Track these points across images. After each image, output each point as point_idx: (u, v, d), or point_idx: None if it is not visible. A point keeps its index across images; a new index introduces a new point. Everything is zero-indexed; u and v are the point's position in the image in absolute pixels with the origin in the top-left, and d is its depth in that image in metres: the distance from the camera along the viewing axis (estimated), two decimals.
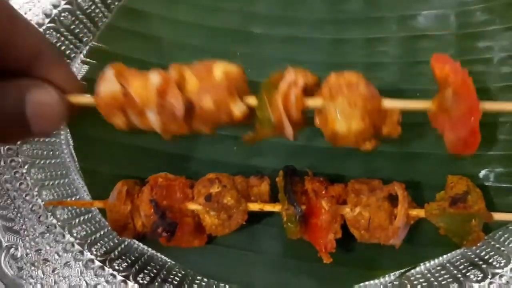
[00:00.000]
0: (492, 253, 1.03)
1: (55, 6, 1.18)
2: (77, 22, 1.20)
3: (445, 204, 0.95)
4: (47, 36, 1.18)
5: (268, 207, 1.00)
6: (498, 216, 0.96)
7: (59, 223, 1.10)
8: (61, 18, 1.18)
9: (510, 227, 1.05)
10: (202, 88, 0.81)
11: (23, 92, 0.68)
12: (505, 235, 1.04)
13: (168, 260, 1.11)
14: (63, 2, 1.18)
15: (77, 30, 1.21)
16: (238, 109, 0.82)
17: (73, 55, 1.23)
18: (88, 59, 1.20)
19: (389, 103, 0.83)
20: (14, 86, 0.68)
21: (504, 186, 1.06)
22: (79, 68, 1.21)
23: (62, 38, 1.20)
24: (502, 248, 1.02)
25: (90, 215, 1.14)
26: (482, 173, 1.06)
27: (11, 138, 0.88)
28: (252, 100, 0.83)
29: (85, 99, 0.84)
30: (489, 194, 1.02)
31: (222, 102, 0.81)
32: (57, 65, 0.76)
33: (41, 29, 1.17)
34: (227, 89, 0.80)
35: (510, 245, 1.02)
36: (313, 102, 0.83)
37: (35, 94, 0.69)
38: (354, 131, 0.81)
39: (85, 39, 1.23)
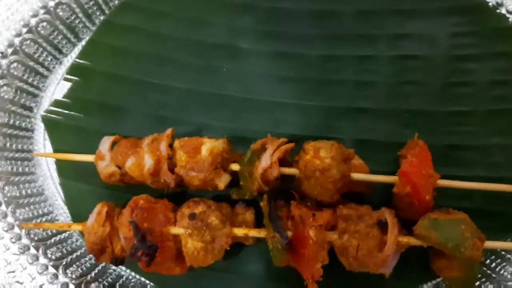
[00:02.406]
0: (483, 279, 1.01)
1: (34, 16, 1.14)
2: (56, 32, 1.16)
3: (433, 215, 0.93)
4: (24, 46, 1.13)
5: (253, 233, 0.96)
6: (489, 244, 0.93)
7: (33, 244, 1.05)
8: (39, 28, 1.14)
9: (502, 253, 1.02)
10: (190, 165, 0.96)
11: None
12: (497, 261, 1.02)
13: (147, 282, 1.07)
14: (41, 12, 1.14)
15: (56, 41, 1.16)
16: (222, 182, 0.97)
17: (53, 66, 1.18)
18: (71, 76, 1.15)
19: (358, 176, 0.97)
20: None
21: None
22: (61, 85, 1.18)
23: (41, 49, 1.15)
24: (493, 275, 1.00)
25: (66, 234, 1.10)
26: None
27: None
28: (235, 167, 0.99)
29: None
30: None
31: (207, 178, 0.96)
32: None
33: (19, 39, 1.13)
34: (212, 166, 0.95)
35: (501, 272, 1.00)
36: (289, 171, 0.98)
37: None
38: (324, 200, 0.97)
39: (65, 50, 1.18)
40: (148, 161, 0.97)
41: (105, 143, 1.01)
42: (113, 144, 1.01)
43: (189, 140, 0.97)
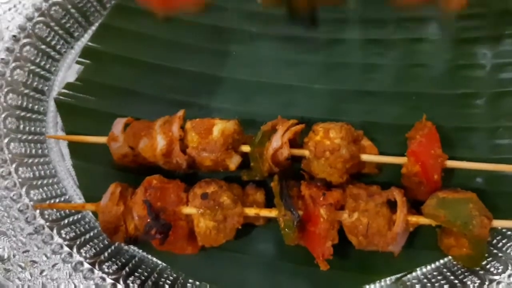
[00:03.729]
0: (490, 259, 1.02)
1: (46, 0, 1.15)
2: (68, 16, 1.17)
3: (442, 194, 0.95)
4: (36, 30, 1.14)
5: (264, 212, 0.98)
6: (496, 223, 0.95)
7: (47, 223, 1.07)
8: (52, 12, 1.15)
9: (508, 233, 1.04)
10: (202, 146, 0.97)
11: None
12: (503, 241, 1.03)
13: (159, 262, 1.09)
14: None
15: (68, 25, 1.18)
16: (233, 162, 0.99)
17: (64, 50, 1.19)
18: (83, 59, 1.16)
19: (367, 157, 1.00)
20: None
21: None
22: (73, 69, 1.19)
23: (53, 33, 1.16)
24: (500, 254, 1.01)
25: (79, 216, 1.11)
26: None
27: None
28: (246, 148, 1.00)
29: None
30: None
31: (219, 158, 0.97)
32: None
33: (31, 23, 1.14)
34: (223, 146, 0.96)
35: (508, 251, 1.01)
36: (299, 152, 1.00)
37: None
38: (334, 181, 0.99)
39: (76, 34, 1.19)
40: (161, 142, 0.98)
41: (118, 124, 1.03)
42: (126, 126, 1.03)
43: (200, 121, 0.99)
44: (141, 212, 0.95)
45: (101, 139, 1.03)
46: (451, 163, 0.98)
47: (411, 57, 1.12)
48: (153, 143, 0.98)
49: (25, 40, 1.15)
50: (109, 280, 1.03)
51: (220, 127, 0.97)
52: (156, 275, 1.06)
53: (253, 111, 1.12)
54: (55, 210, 1.09)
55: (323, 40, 1.15)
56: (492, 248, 1.03)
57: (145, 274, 1.05)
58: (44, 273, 1.02)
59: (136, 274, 1.05)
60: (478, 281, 0.98)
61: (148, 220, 0.94)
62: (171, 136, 0.99)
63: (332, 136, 0.97)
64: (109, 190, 0.99)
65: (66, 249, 1.05)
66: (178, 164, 1.00)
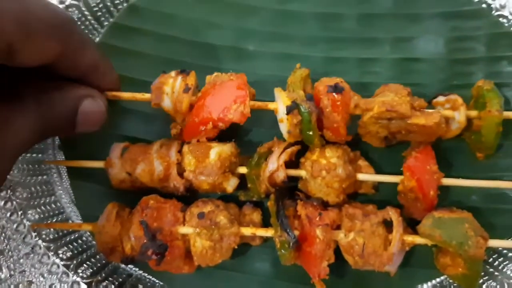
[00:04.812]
0: (486, 277, 1.02)
1: (61, 2, 1.17)
2: (82, 19, 1.18)
3: (437, 214, 0.95)
4: None
5: (261, 232, 0.98)
6: (492, 243, 0.95)
7: (44, 243, 1.07)
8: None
9: (504, 251, 1.05)
10: (199, 170, 0.98)
11: (77, 102, 0.88)
12: (499, 260, 1.04)
13: (157, 281, 1.09)
14: None
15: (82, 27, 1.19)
16: (230, 185, 1.00)
17: None
18: None
19: (364, 177, 1.01)
20: (71, 95, 0.88)
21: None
22: None
23: None
24: (496, 273, 1.02)
25: (76, 234, 1.11)
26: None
27: (59, 135, 1.12)
28: (243, 170, 1.01)
29: None
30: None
31: (216, 182, 0.98)
32: (107, 75, 0.97)
33: None
34: (221, 170, 0.97)
35: (504, 270, 1.02)
36: (295, 172, 1.01)
37: (86, 104, 0.89)
38: (331, 201, 1.00)
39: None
40: (158, 167, 0.99)
41: (115, 150, 1.03)
42: (124, 150, 1.03)
43: (197, 145, 0.99)
44: (138, 233, 0.96)
45: (99, 164, 1.03)
46: (447, 181, 0.99)
47: (406, 77, 1.13)
48: (150, 168, 0.99)
49: None
50: None
51: (217, 151, 0.98)
52: None
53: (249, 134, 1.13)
54: (52, 229, 1.09)
55: (319, 58, 1.15)
56: (488, 266, 1.04)
57: None
58: None
59: None
60: None
61: (145, 240, 0.95)
62: (168, 160, 0.99)
63: (328, 155, 0.98)
64: (106, 211, 1.00)
65: (62, 269, 1.06)
66: (175, 188, 1.01)
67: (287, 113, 0.94)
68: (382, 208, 1.00)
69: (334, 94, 0.95)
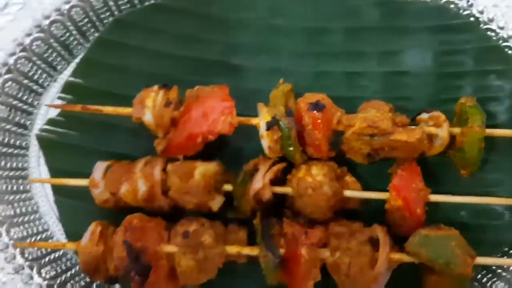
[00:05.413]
0: None
1: (28, 35, 1.15)
2: (50, 50, 1.17)
3: (424, 232, 0.94)
4: (18, 65, 1.14)
5: (246, 251, 0.97)
6: (480, 260, 0.94)
7: (27, 263, 1.06)
8: (33, 47, 1.15)
9: (493, 267, 1.04)
10: (184, 190, 0.96)
11: None
12: (488, 276, 1.03)
13: None
14: (35, 30, 1.15)
15: (50, 59, 1.17)
16: (215, 204, 0.99)
17: (47, 83, 1.19)
18: (64, 95, 1.15)
19: (350, 193, 0.99)
20: None
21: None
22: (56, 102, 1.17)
23: (35, 67, 1.16)
24: None
25: (61, 253, 1.10)
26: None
27: None
28: (228, 187, 0.99)
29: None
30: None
31: (201, 201, 0.97)
32: None
33: (13, 58, 1.14)
34: (205, 189, 0.96)
35: (493, 287, 1.01)
36: (282, 190, 0.99)
37: None
38: (317, 217, 0.98)
39: (59, 67, 1.19)
40: (142, 187, 0.98)
41: (98, 169, 1.02)
42: (108, 168, 1.02)
43: (181, 164, 0.98)
44: (121, 253, 0.94)
45: (83, 182, 1.02)
46: (434, 197, 0.98)
47: (394, 91, 1.12)
48: (134, 188, 0.98)
49: (6, 76, 1.14)
50: None
51: (201, 170, 0.96)
52: None
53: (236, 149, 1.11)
54: (35, 248, 1.07)
55: (307, 73, 1.14)
56: (476, 283, 1.03)
57: None
58: None
59: None
60: None
61: (128, 261, 0.93)
62: (152, 180, 0.98)
63: (314, 173, 0.97)
64: (89, 230, 0.98)
65: None
66: (160, 207, 1.00)
67: (267, 129, 0.93)
68: (371, 221, 0.99)
69: (315, 112, 0.94)
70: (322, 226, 0.98)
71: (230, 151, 1.11)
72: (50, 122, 1.14)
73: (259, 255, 0.94)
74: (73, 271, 1.08)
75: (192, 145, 0.97)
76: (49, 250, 1.09)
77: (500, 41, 1.13)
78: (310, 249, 0.94)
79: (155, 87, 1.00)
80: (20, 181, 1.13)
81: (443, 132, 0.97)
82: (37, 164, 1.16)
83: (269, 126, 0.93)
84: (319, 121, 0.95)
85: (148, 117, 0.98)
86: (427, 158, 1.03)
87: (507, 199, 1.01)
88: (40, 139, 1.14)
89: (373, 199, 1.00)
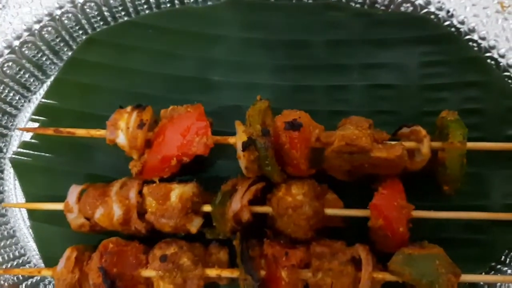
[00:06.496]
0: None
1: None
2: (23, 71, 1.14)
3: (408, 250, 0.92)
4: None
5: (226, 273, 0.95)
6: (464, 278, 0.92)
7: None
8: (5, 68, 1.13)
9: (480, 283, 1.03)
10: (160, 212, 0.95)
11: None
12: None
13: None
14: (6, 52, 1.12)
15: (23, 80, 1.15)
16: (194, 226, 0.97)
17: (21, 105, 1.16)
18: (38, 117, 1.13)
19: (332, 211, 0.97)
20: None
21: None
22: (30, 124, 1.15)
23: (8, 89, 1.13)
24: None
25: (38, 278, 1.08)
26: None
27: None
28: (207, 208, 0.97)
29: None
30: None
31: (178, 224, 0.95)
32: None
33: None
34: (182, 212, 0.94)
35: None
36: (261, 209, 0.98)
37: None
38: (298, 237, 0.96)
39: (33, 87, 1.17)
40: (117, 211, 0.96)
41: (73, 193, 1.00)
42: (82, 191, 1.00)
43: (157, 187, 0.96)
44: (97, 280, 0.92)
45: (58, 206, 0.99)
46: (417, 213, 0.96)
47: (375, 104, 1.10)
48: (109, 212, 0.96)
49: None
50: None
51: (177, 192, 0.95)
52: None
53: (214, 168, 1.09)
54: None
55: (287, 86, 1.12)
56: None
57: None
58: None
59: None
60: None
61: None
62: (128, 204, 0.96)
63: (294, 192, 0.95)
64: (65, 255, 0.97)
65: None
66: (137, 230, 0.97)
67: (243, 150, 0.91)
68: (355, 238, 0.97)
69: (291, 131, 0.92)
70: (303, 246, 0.96)
71: (209, 168, 1.08)
72: (24, 145, 1.12)
73: (239, 278, 0.92)
74: None
75: (167, 167, 0.95)
76: (26, 276, 1.06)
77: (482, 52, 1.11)
78: (291, 271, 0.91)
79: (129, 108, 0.98)
80: None
81: (424, 147, 0.95)
82: (13, 187, 1.14)
83: (245, 147, 0.91)
84: (296, 140, 0.92)
85: (121, 139, 0.96)
86: (411, 172, 1.01)
87: (493, 213, 1.00)
88: (14, 162, 1.11)
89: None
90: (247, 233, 0.98)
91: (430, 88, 1.10)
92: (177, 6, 1.18)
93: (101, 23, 1.18)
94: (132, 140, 0.95)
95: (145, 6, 1.17)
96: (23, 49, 1.13)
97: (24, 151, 1.11)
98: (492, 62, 1.11)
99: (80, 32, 1.17)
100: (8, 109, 1.15)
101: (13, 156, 1.12)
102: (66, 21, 1.15)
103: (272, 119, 0.98)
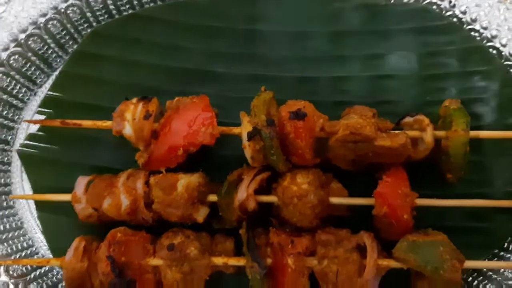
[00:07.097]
0: None
1: (4, 49, 1.13)
2: (29, 64, 1.15)
3: (412, 237, 0.93)
4: None
5: (233, 261, 0.96)
6: (469, 264, 0.93)
7: (12, 280, 1.04)
8: (11, 61, 1.13)
9: (484, 270, 1.04)
10: (167, 202, 0.95)
11: None
12: (479, 279, 1.02)
13: None
14: (12, 45, 1.13)
15: (29, 73, 1.16)
16: (200, 215, 0.97)
17: (27, 98, 1.17)
18: (44, 109, 1.14)
19: (337, 200, 0.98)
20: None
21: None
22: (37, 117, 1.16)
23: (14, 82, 1.14)
24: None
25: (46, 268, 1.09)
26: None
27: None
28: (213, 198, 0.98)
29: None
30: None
31: (185, 213, 0.96)
32: None
33: None
34: (189, 201, 0.95)
35: None
36: (267, 199, 0.98)
37: None
38: (304, 226, 0.97)
39: (39, 80, 1.17)
40: (125, 201, 0.97)
41: (80, 184, 1.01)
42: (89, 183, 1.01)
43: (164, 177, 0.97)
44: (105, 269, 0.93)
45: (66, 197, 1.00)
46: (421, 201, 0.97)
47: (378, 94, 1.11)
48: (117, 203, 0.97)
49: None
50: None
51: (184, 182, 0.95)
52: None
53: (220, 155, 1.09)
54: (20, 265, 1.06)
55: (291, 78, 1.13)
56: (467, 286, 1.02)
57: None
58: None
59: None
60: None
61: (112, 276, 0.92)
62: (135, 194, 0.97)
63: (299, 181, 0.95)
64: (73, 245, 0.97)
65: None
66: (144, 220, 0.98)
67: (248, 140, 0.92)
68: (360, 226, 0.97)
69: (296, 120, 0.93)
70: (309, 234, 0.97)
71: (214, 159, 1.09)
72: (31, 137, 1.13)
73: (246, 266, 0.93)
74: (59, 286, 1.06)
75: (173, 157, 0.96)
76: (34, 266, 1.07)
77: (484, 41, 1.12)
78: (297, 258, 0.92)
79: (134, 100, 0.99)
80: (3, 197, 1.12)
81: (427, 136, 0.96)
82: (20, 179, 1.15)
83: (250, 136, 0.92)
84: (300, 129, 0.93)
85: (128, 131, 0.96)
86: (415, 161, 1.01)
87: (496, 201, 1.01)
88: (21, 154, 1.12)
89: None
90: (253, 222, 0.99)
91: (433, 77, 1.11)
92: None
93: (106, 16, 1.19)
94: (139, 131, 0.96)
95: None
96: (29, 43, 1.14)
97: (31, 143, 1.12)
98: (494, 52, 1.12)
99: (85, 25, 1.18)
100: (15, 102, 1.16)
101: (20, 148, 1.13)
102: (71, 14, 1.16)
103: (277, 109, 0.99)
